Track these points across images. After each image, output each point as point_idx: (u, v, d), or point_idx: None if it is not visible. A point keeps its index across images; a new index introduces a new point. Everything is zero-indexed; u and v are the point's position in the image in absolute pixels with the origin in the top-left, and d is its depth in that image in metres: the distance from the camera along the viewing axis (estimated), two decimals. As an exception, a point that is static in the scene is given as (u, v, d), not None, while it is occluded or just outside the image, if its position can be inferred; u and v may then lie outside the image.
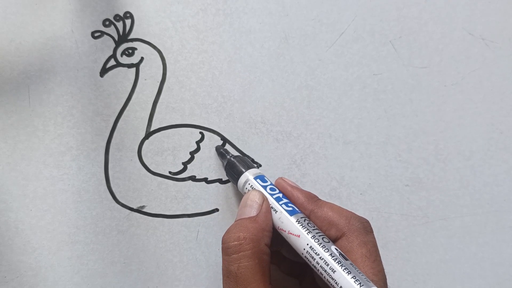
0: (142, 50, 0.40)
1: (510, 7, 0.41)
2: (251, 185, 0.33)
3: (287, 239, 0.30)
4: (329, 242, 0.29)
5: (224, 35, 0.40)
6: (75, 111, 0.38)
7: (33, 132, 0.38)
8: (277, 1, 0.41)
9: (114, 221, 0.37)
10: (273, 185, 0.33)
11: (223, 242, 0.29)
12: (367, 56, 0.41)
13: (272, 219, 0.31)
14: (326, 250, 0.28)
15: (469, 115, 0.40)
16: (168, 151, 0.39)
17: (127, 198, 0.38)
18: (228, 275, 0.28)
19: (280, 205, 0.31)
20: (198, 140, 0.39)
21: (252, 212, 0.30)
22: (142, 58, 0.40)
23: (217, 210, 0.38)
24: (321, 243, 0.28)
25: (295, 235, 0.29)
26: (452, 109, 0.40)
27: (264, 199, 0.31)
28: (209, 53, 0.40)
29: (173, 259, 0.37)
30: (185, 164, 0.38)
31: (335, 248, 0.28)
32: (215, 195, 0.38)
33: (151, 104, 0.39)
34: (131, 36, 0.40)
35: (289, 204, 0.31)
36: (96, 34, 0.39)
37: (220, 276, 0.37)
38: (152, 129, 0.39)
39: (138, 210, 0.38)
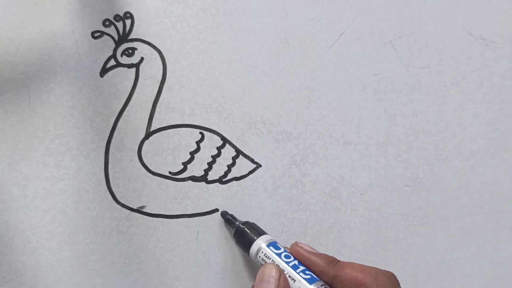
0: (142, 50, 0.40)
1: (510, 7, 0.41)
2: (265, 254, 0.33)
3: None
4: None
5: (224, 35, 0.40)
6: (75, 111, 0.38)
7: (33, 132, 0.38)
8: (277, 1, 0.41)
9: (114, 221, 0.37)
10: (287, 252, 0.33)
11: None
12: (367, 56, 0.41)
13: None
14: None
15: (469, 115, 0.40)
16: (168, 151, 0.39)
17: (127, 198, 0.38)
18: None
19: (298, 273, 0.30)
20: (198, 140, 0.39)
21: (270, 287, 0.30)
22: (142, 58, 0.40)
23: (217, 210, 0.38)
24: None
25: None
26: (452, 109, 0.40)
27: (281, 272, 0.31)
28: (209, 53, 0.40)
29: (173, 259, 0.37)
30: (185, 164, 0.38)
31: None
32: (215, 195, 0.38)
33: (151, 104, 0.39)
34: (131, 36, 0.40)
35: (307, 272, 0.31)
36: (96, 34, 0.39)
37: (220, 276, 0.37)
38: (152, 129, 0.39)
39: (138, 210, 0.38)
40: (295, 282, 0.30)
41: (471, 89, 0.40)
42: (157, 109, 0.39)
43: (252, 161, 0.39)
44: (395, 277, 0.30)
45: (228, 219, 0.37)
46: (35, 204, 0.37)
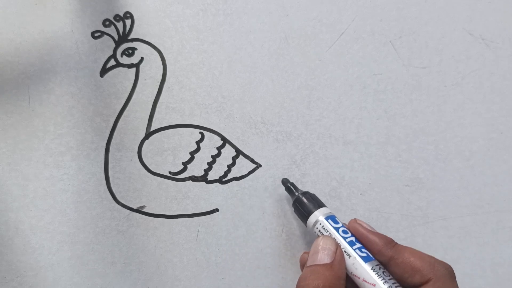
0: (142, 50, 0.40)
1: (510, 7, 0.41)
2: (323, 226, 0.32)
3: (360, 286, 0.30)
4: None
5: (224, 35, 0.40)
6: (75, 111, 0.38)
7: (33, 132, 0.38)
8: (277, 1, 0.41)
9: (114, 221, 0.37)
10: (345, 227, 0.32)
11: None
12: (367, 56, 0.41)
13: (345, 266, 0.30)
14: None
15: (469, 115, 0.40)
16: (168, 151, 0.39)
17: (127, 198, 0.38)
18: None
19: (354, 250, 0.30)
20: (198, 140, 0.39)
21: (325, 259, 0.30)
22: (142, 58, 0.40)
23: (217, 210, 0.38)
24: None
25: (370, 283, 0.29)
26: (452, 109, 0.40)
27: (338, 246, 0.31)
28: (209, 53, 0.40)
29: (173, 259, 0.37)
30: (185, 164, 0.38)
31: None
32: (215, 195, 0.38)
33: (151, 104, 0.39)
34: (131, 36, 0.40)
35: (363, 250, 0.30)
36: (96, 34, 0.39)
37: (220, 276, 0.37)
38: (152, 129, 0.39)
39: (138, 210, 0.38)
40: (350, 258, 0.30)
41: (471, 89, 0.40)
42: (157, 109, 0.39)
43: (252, 161, 0.39)
44: (452, 269, 0.29)
45: (289, 187, 0.36)
46: (35, 204, 0.37)
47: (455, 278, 0.29)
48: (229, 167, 0.39)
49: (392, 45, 0.41)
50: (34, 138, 0.38)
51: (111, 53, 0.39)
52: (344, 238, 0.31)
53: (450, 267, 0.29)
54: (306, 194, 0.35)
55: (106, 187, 0.38)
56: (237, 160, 0.39)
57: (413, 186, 0.39)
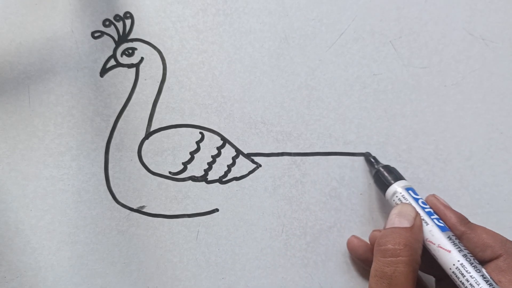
0: (142, 50, 0.40)
1: (510, 7, 0.41)
2: (403, 195, 0.34)
3: (434, 252, 0.31)
4: (479, 264, 0.29)
5: (224, 35, 0.40)
6: (75, 111, 0.38)
7: (33, 132, 0.38)
8: (277, 1, 0.41)
9: (114, 221, 0.37)
10: (423, 199, 0.34)
11: (380, 244, 0.30)
12: (367, 56, 0.41)
13: (423, 233, 0.32)
14: (478, 271, 0.28)
15: (469, 115, 0.40)
16: (168, 151, 0.39)
17: (127, 198, 0.38)
18: (382, 276, 0.29)
19: (432, 219, 0.32)
20: (198, 140, 0.39)
21: (405, 223, 0.31)
22: (142, 58, 0.40)
23: (217, 210, 0.38)
24: (472, 263, 0.29)
25: (445, 249, 0.30)
26: (452, 109, 0.40)
27: (417, 213, 0.32)
28: (209, 53, 0.40)
29: (173, 259, 0.37)
30: (185, 164, 0.38)
31: (486, 272, 0.29)
32: (215, 195, 0.38)
33: (151, 104, 0.39)
34: (131, 36, 0.40)
35: (440, 221, 0.32)
36: (96, 34, 0.39)
37: (220, 276, 0.37)
38: (152, 129, 0.39)
39: (138, 210, 0.38)
40: (428, 225, 0.32)
41: (471, 89, 0.40)
42: (157, 109, 0.39)
43: (252, 161, 0.39)
44: None
45: (370, 160, 0.38)
46: (35, 204, 0.37)
47: None
48: (229, 167, 0.39)
49: (392, 45, 0.41)
50: (34, 138, 0.38)
51: (111, 53, 0.39)
52: (423, 208, 0.33)
53: None
54: (386, 167, 0.37)
55: (106, 187, 0.38)
56: (237, 160, 0.39)
57: (413, 186, 0.39)
